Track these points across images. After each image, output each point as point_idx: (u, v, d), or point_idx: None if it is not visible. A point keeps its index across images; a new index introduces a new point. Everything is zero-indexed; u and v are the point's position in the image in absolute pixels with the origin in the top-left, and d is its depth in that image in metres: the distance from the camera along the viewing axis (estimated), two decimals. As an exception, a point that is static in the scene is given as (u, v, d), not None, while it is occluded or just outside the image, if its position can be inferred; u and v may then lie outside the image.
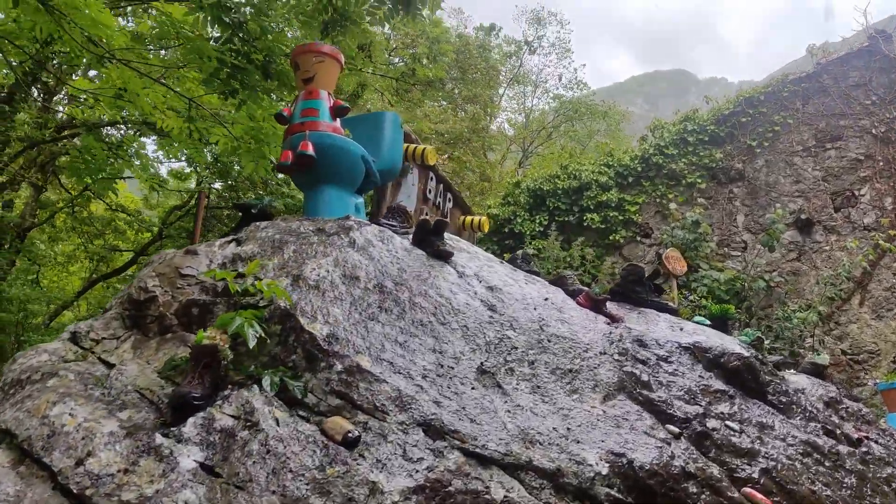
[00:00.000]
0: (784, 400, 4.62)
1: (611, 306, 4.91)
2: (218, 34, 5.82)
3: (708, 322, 4.97)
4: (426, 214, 6.68)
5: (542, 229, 12.06)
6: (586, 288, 4.82)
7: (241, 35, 5.78)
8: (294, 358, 3.12)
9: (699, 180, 11.58)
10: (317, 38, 6.66)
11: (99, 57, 5.31)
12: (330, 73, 5.03)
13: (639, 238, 11.83)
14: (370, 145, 5.34)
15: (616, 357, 3.88)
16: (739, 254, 11.18)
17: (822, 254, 10.78)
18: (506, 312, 3.76)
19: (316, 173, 4.78)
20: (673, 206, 11.17)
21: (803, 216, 10.87)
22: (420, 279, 3.74)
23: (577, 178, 12.13)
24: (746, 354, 4.60)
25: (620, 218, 11.82)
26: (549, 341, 3.72)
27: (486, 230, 7.63)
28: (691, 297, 9.07)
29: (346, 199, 4.87)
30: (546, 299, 4.18)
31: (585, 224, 11.85)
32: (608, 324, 4.37)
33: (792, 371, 6.36)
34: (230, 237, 4.01)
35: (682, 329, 4.71)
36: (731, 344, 4.69)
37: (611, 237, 11.81)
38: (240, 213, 4.53)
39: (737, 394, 4.36)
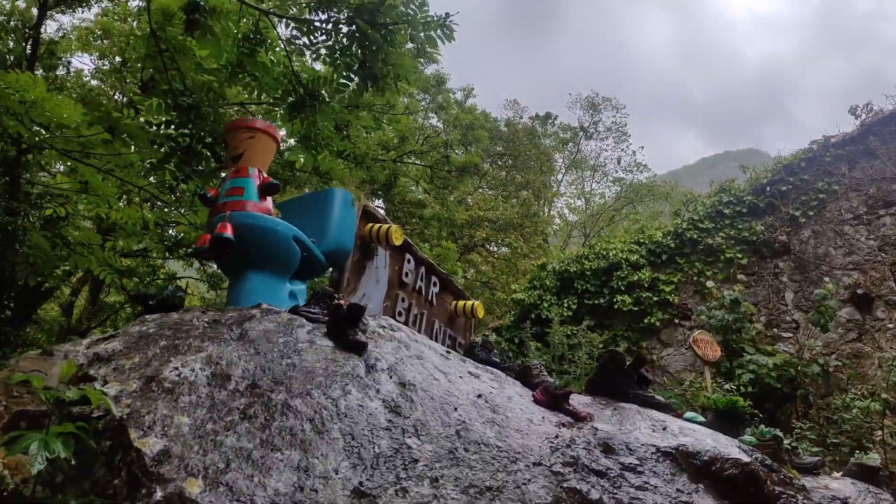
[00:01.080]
0: (800, 518, 3.67)
1: (582, 401, 4.13)
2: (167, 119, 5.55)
3: (701, 419, 4.10)
4: (402, 300, 6.09)
5: (571, 313, 11.23)
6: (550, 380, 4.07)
7: (191, 118, 5.49)
8: (116, 483, 2.51)
9: (739, 255, 10.61)
10: (284, 122, 6.37)
11: (37, 147, 5.07)
12: (262, 150, 4.63)
13: (676, 320, 10.84)
14: (315, 225, 4.86)
15: (557, 469, 3.10)
16: (791, 335, 10.05)
17: (885, 332, 9.55)
18: (412, 415, 3.07)
19: (239, 258, 4.29)
20: (710, 284, 10.22)
21: (860, 291, 9.72)
22: (309, 377, 3.12)
23: (606, 258, 11.35)
24: (746, 460, 3.71)
25: (655, 299, 10.90)
26: (465, 450, 2.99)
27: (481, 315, 6.95)
28: (727, 386, 8.02)
29: (275, 286, 4.35)
30: (479, 396, 3.47)
31: (616, 307, 10.97)
32: (565, 425, 3.60)
33: (837, 474, 5.33)
34: (110, 333, 3.50)
35: (664, 429, 3.87)
36: (729, 447, 3.82)
37: (645, 320, 10.86)
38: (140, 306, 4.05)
39: (732, 512, 3.47)
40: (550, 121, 31.17)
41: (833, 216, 10.35)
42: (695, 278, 10.85)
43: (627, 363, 4.34)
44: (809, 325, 9.65)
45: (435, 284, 6.62)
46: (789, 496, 3.75)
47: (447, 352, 4.09)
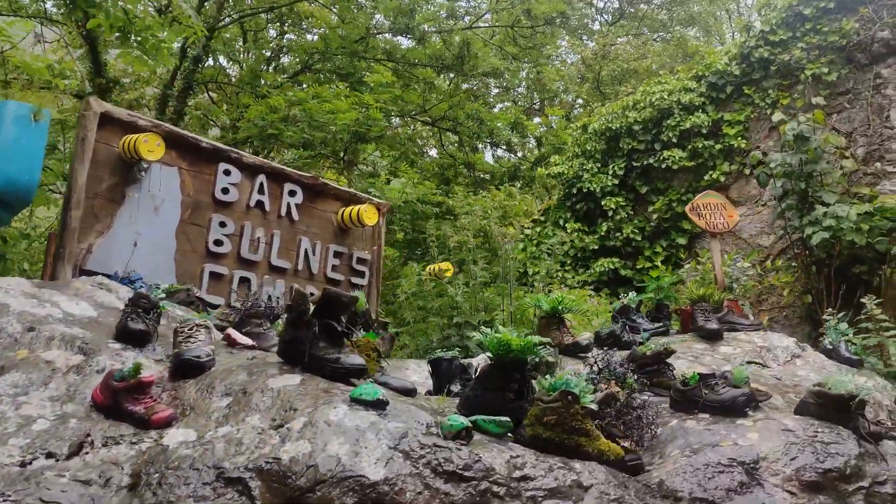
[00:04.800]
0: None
1: (234, 383, 2.69)
2: None
3: (376, 393, 2.45)
4: (222, 225, 4.83)
5: (617, 181, 9.12)
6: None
7: None
8: None
9: (825, 69, 7.74)
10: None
11: None
12: None
13: (748, 171, 8.33)
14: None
15: None
16: (901, 169, 7.25)
17: None
18: None
19: None
20: (777, 117, 7.57)
21: None
22: None
23: (653, 106, 8.93)
24: (377, 478, 2.13)
25: (717, 147, 8.41)
26: None
27: (371, 221, 5.43)
28: (741, 264, 5.73)
29: None
30: None
31: (665, 165, 8.67)
32: (57, 455, 2.25)
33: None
34: None
35: (286, 426, 2.36)
36: (372, 452, 2.21)
37: (707, 176, 8.47)
38: None
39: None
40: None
41: (965, -14, 7.09)
42: (768, 111, 8.17)
43: (313, 308, 2.78)
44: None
45: (293, 194, 5.23)
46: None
47: (30, 329, 2.83)
